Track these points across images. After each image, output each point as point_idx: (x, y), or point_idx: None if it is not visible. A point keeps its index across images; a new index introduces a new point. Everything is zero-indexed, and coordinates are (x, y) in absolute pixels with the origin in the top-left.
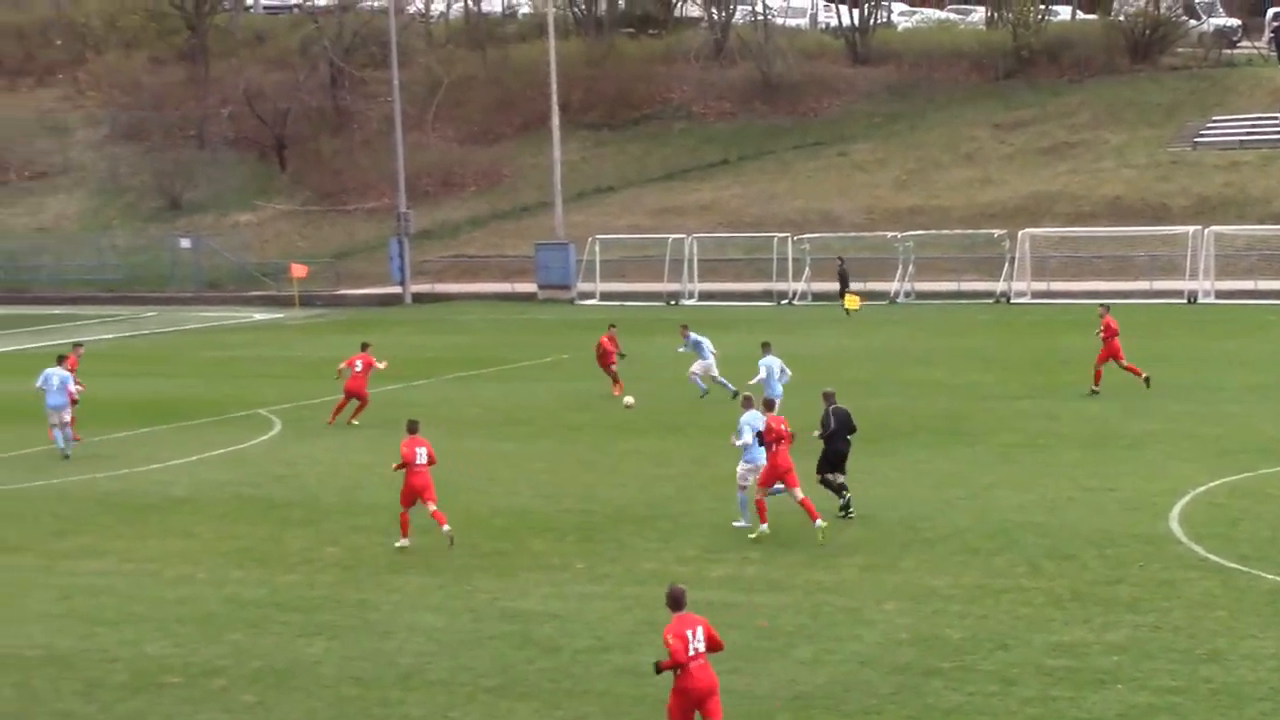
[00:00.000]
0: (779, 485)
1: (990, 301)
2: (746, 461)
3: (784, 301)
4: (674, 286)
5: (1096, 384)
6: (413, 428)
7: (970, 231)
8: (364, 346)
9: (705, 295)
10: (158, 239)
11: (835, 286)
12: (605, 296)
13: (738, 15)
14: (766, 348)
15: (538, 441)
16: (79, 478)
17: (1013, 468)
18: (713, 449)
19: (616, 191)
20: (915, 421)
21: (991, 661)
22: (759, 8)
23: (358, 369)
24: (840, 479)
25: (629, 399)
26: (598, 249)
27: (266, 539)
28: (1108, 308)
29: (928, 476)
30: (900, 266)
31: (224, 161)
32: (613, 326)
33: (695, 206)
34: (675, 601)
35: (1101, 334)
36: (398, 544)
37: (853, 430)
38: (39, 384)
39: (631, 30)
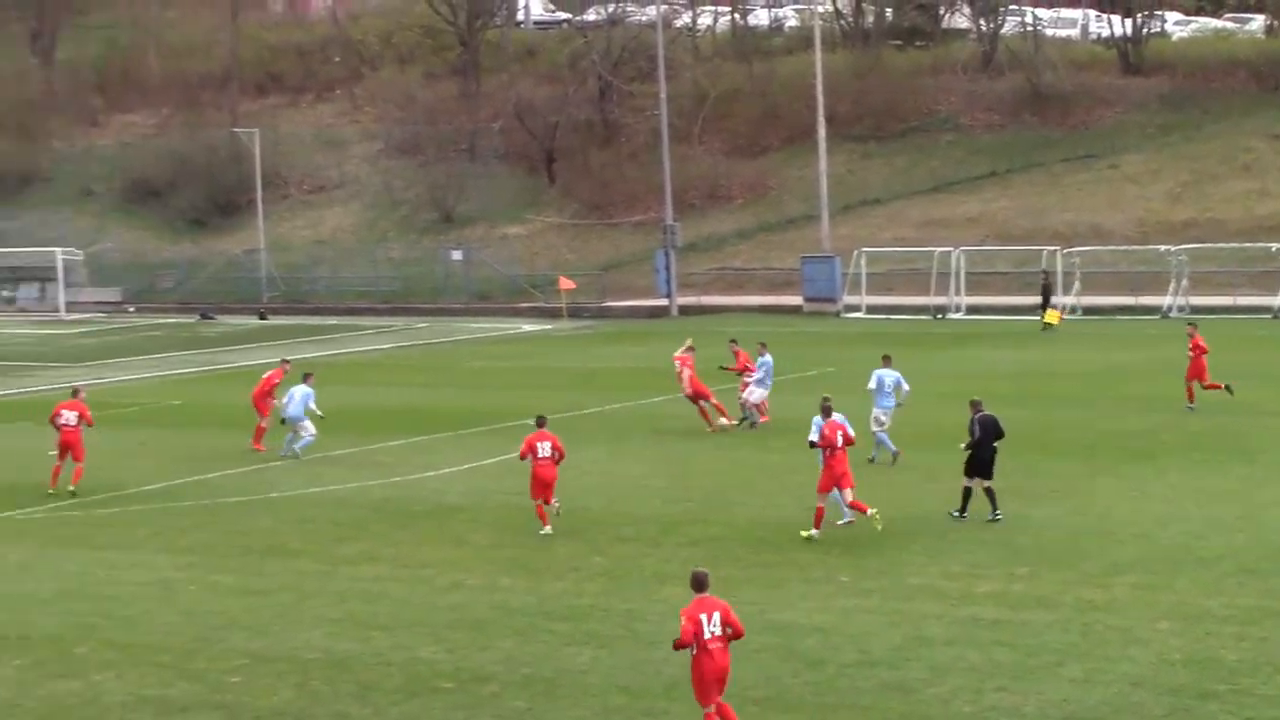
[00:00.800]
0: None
1: (1268, 317)
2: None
3: None
4: (940, 300)
5: (1191, 400)
6: (540, 422)
7: (1247, 245)
8: (689, 347)
9: (972, 309)
10: (430, 251)
11: (1108, 300)
12: (871, 310)
13: (1007, 26)
14: (886, 360)
15: (799, 453)
16: (355, 485)
17: None
18: None
19: (882, 204)
20: (1190, 438)
21: (1271, 686)
22: (1029, 18)
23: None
24: (986, 484)
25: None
26: (864, 261)
27: (535, 548)
28: (1195, 325)
29: (1202, 494)
30: (1173, 280)
31: (494, 175)
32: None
33: (962, 219)
34: (698, 584)
35: (1191, 352)
36: (541, 531)
37: (999, 436)
38: (285, 399)
39: (899, 42)
